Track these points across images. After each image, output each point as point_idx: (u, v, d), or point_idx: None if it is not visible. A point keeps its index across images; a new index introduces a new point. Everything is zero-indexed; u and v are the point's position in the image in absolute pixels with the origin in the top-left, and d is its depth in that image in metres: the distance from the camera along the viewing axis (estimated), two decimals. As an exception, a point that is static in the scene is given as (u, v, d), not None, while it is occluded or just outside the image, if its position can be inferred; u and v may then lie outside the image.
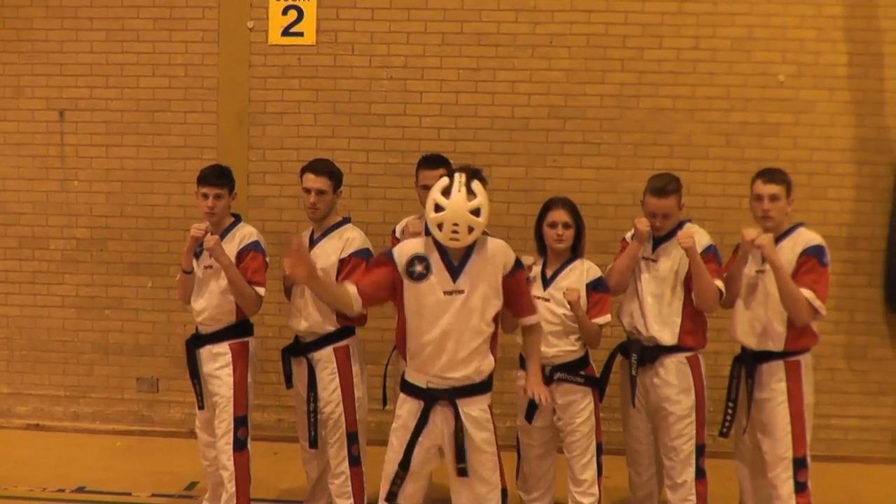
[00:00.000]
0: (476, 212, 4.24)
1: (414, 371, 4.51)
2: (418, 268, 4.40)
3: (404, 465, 4.48)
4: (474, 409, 4.45)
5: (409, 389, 4.53)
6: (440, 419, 4.45)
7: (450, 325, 4.36)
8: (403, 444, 4.49)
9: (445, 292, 4.36)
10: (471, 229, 4.26)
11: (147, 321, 7.78)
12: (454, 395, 4.42)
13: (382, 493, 4.56)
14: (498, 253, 4.43)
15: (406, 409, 4.53)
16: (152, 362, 7.81)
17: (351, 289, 4.47)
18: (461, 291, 4.36)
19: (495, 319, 4.47)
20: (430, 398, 4.45)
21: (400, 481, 4.50)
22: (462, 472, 4.43)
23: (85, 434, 7.73)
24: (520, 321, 4.68)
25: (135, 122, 7.67)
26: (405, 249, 4.47)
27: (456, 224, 4.22)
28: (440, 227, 4.26)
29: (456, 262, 4.39)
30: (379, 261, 4.55)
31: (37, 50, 7.71)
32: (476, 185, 4.28)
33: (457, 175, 4.28)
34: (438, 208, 4.26)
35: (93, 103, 7.71)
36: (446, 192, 4.26)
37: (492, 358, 4.51)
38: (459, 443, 4.40)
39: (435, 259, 4.40)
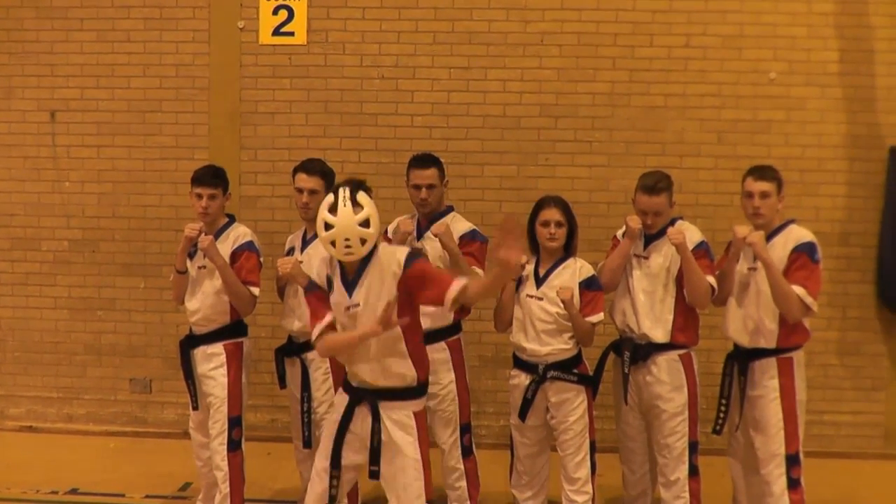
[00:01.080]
0: (365, 223, 4.27)
1: (349, 369, 4.59)
2: (326, 287, 4.50)
3: (335, 463, 4.52)
4: (396, 413, 4.47)
5: (344, 384, 4.63)
6: (361, 418, 4.50)
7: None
8: (331, 438, 4.54)
9: (346, 308, 4.41)
10: (363, 241, 4.28)
11: (140, 322, 7.76)
12: (376, 397, 4.45)
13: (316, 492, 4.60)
14: (386, 257, 4.41)
15: (338, 401, 4.64)
16: (145, 363, 7.80)
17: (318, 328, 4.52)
18: (357, 305, 4.38)
19: (409, 325, 4.39)
20: (356, 396, 4.51)
21: (336, 481, 4.53)
22: (373, 475, 4.47)
23: (78, 436, 7.70)
24: (445, 299, 4.25)
25: (126, 123, 7.66)
26: (317, 273, 4.57)
27: (347, 238, 4.25)
28: (333, 244, 4.28)
29: (350, 276, 4.42)
30: (312, 293, 4.57)
31: (27, 51, 7.69)
32: (361, 196, 4.31)
33: (340, 190, 4.31)
34: (328, 226, 4.28)
35: (84, 104, 7.69)
36: (332, 208, 4.28)
37: (411, 363, 4.46)
38: (375, 444, 4.42)
39: (336, 276, 4.46)
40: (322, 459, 4.58)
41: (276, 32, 7.47)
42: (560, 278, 5.23)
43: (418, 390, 4.54)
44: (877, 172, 7.32)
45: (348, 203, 4.26)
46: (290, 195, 5.81)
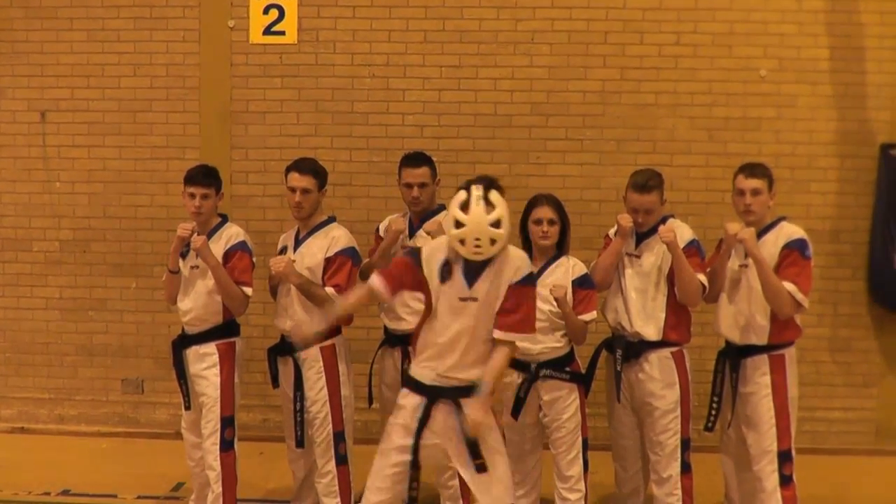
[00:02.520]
0: (497, 224, 4.17)
1: (419, 367, 4.49)
2: (444, 271, 4.36)
3: (414, 464, 4.42)
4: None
5: (413, 385, 4.50)
6: (442, 416, 4.41)
7: (461, 330, 4.34)
8: (405, 441, 4.43)
9: (461, 298, 4.33)
10: (493, 241, 4.19)
11: (131, 322, 7.74)
12: (458, 394, 4.38)
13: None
14: (513, 261, 4.38)
15: (409, 404, 4.48)
16: (137, 363, 7.78)
17: (373, 280, 4.48)
18: (475, 299, 4.32)
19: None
20: (432, 394, 4.42)
21: (416, 483, 4.45)
22: (481, 468, 4.36)
23: (70, 436, 7.68)
24: (497, 333, 4.37)
25: (117, 123, 7.64)
26: (431, 250, 4.44)
27: (478, 238, 4.16)
28: (462, 242, 4.20)
29: (474, 268, 4.33)
30: (405, 258, 4.56)
31: (17, 51, 7.66)
32: (494, 195, 4.20)
33: (473, 188, 4.21)
34: (458, 224, 4.19)
35: (74, 104, 7.66)
36: (464, 206, 4.19)
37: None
38: (471, 439, 4.32)
39: (458, 266, 4.35)
40: (383, 457, 4.52)
41: (267, 32, 7.46)
42: (553, 276, 5.24)
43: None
44: (867, 169, 7.34)
45: (481, 202, 4.16)
46: (282, 194, 5.81)
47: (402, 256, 4.60)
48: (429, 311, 4.44)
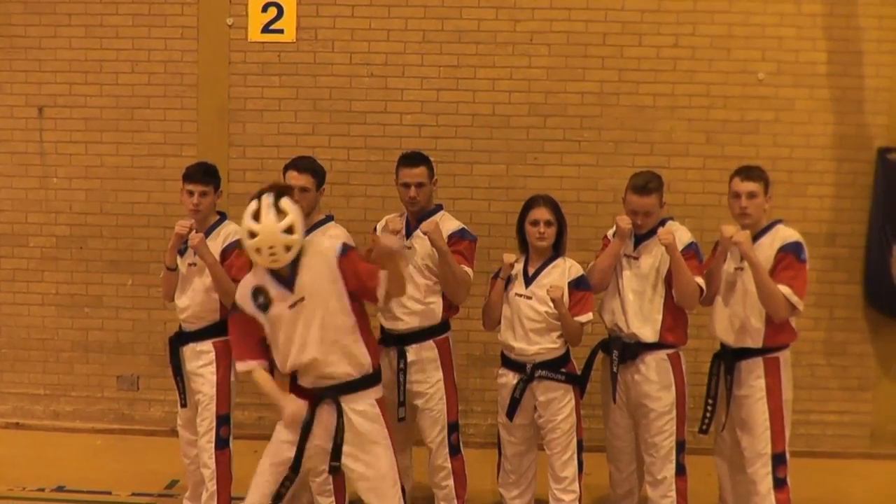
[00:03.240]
0: (289, 230, 4.28)
1: (300, 379, 4.59)
2: (260, 299, 4.47)
3: (295, 467, 4.53)
4: (361, 404, 4.53)
5: (298, 391, 4.61)
6: (325, 416, 4.51)
7: (308, 334, 4.43)
8: (287, 442, 4.54)
9: (290, 306, 4.43)
10: (287, 248, 4.30)
11: (127, 319, 7.73)
12: (337, 392, 4.49)
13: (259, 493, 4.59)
14: (321, 246, 4.54)
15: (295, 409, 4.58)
16: (133, 360, 7.77)
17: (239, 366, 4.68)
18: (301, 299, 4.42)
19: (355, 309, 4.51)
20: (316, 397, 4.51)
21: (289, 483, 4.56)
22: (334, 471, 4.55)
23: (65, 433, 7.67)
24: (375, 292, 4.49)
25: (114, 119, 7.62)
26: (241, 293, 4.54)
27: (272, 246, 4.26)
28: (258, 251, 4.29)
29: (285, 273, 4.43)
30: (235, 319, 4.61)
31: (15, 46, 7.65)
32: (285, 203, 4.30)
33: (263, 197, 4.30)
34: (252, 234, 4.28)
35: (72, 100, 7.65)
36: (255, 215, 4.28)
37: (364, 349, 4.56)
38: (338, 440, 4.46)
39: (270, 284, 4.45)
40: (267, 458, 4.62)
41: (265, 29, 7.45)
42: (549, 277, 5.25)
43: (376, 376, 4.66)
44: (864, 173, 7.35)
45: (272, 210, 4.26)
46: (279, 193, 5.79)
47: (232, 317, 4.67)
48: (273, 340, 4.54)
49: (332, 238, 4.63)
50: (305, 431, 4.50)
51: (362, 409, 4.53)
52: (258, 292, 4.47)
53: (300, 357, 4.48)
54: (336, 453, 4.47)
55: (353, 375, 4.51)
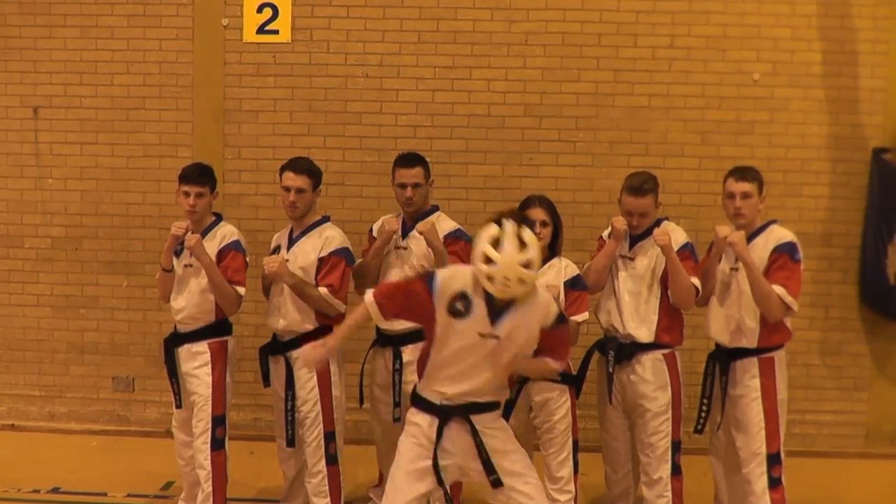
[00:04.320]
0: (527, 264, 4.05)
1: (428, 391, 4.40)
2: (459, 305, 4.23)
3: (440, 481, 4.34)
4: (488, 421, 4.37)
5: (421, 404, 4.41)
6: (454, 434, 4.34)
7: (475, 365, 4.27)
8: (421, 458, 4.34)
9: (481, 334, 4.23)
10: (522, 282, 4.08)
11: (123, 320, 7.72)
12: (468, 411, 4.33)
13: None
14: (542, 305, 4.32)
15: (421, 422, 4.39)
16: (128, 361, 7.76)
17: (367, 296, 4.42)
18: (497, 337, 4.22)
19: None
20: (443, 415, 4.33)
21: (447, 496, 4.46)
22: (497, 483, 4.31)
23: (60, 434, 7.66)
24: (553, 364, 4.45)
25: (109, 120, 7.61)
26: (451, 284, 4.26)
27: (507, 278, 4.04)
28: (490, 279, 4.07)
29: (498, 305, 4.22)
30: (416, 284, 4.36)
31: (10, 47, 7.64)
32: (527, 235, 4.07)
33: (507, 225, 4.08)
34: (489, 261, 4.06)
35: (67, 100, 7.64)
36: (496, 243, 4.06)
37: (507, 392, 4.53)
38: (484, 455, 4.29)
39: (478, 300, 4.22)
40: (399, 472, 4.39)
41: (261, 30, 7.45)
42: (545, 277, 5.23)
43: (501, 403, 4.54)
44: (860, 174, 7.36)
45: (515, 241, 4.04)
46: (274, 193, 5.81)
47: (414, 281, 4.41)
48: (432, 338, 4.33)
49: (548, 298, 4.43)
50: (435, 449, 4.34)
51: (490, 423, 4.39)
52: (462, 298, 4.24)
53: (461, 382, 4.32)
54: (488, 467, 4.31)
55: (487, 400, 4.40)
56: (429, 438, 4.32)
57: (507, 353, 4.26)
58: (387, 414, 5.75)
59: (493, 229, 4.10)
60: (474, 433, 4.31)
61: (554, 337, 4.36)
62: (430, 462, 4.30)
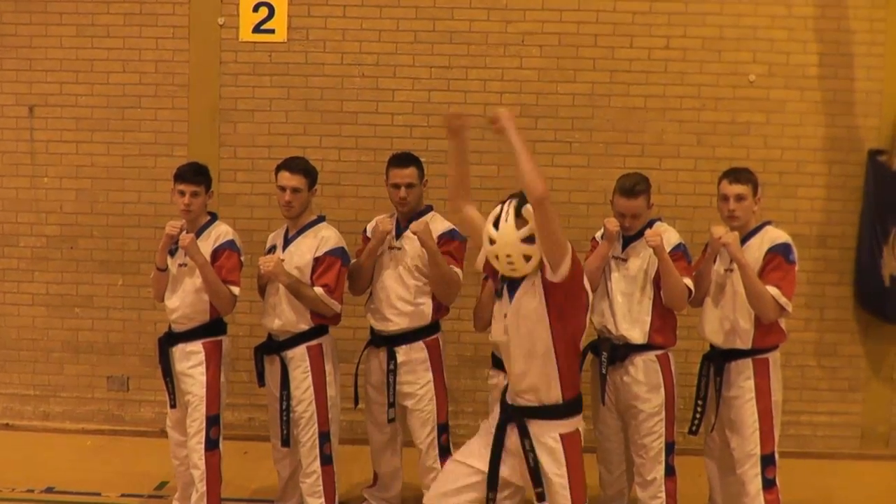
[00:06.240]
0: (529, 239, 4.02)
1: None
2: (497, 283, 4.32)
3: (492, 484, 4.22)
4: (546, 437, 4.18)
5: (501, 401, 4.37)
6: (515, 437, 4.22)
7: (506, 346, 4.25)
8: (483, 456, 4.26)
9: (504, 315, 4.24)
10: (527, 258, 4.04)
11: (118, 319, 7.71)
12: (523, 414, 4.21)
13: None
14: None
15: (492, 417, 4.36)
16: (123, 361, 7.75)
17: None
18: (504, 315, 4.24)
19: (559, 333, 4.15)
20: (507, 413, 4.26)
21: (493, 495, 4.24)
22: (540, 497, 4.15)
23: (55, 433, 7.64)
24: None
25: (105, 119, 7.61)
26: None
27: (509, 255, 4.03)
28: (496, 258, 4.09)
29: (506, 284, 4.24)
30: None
31: (5, 45, 7.63)
32: (527, 210, 4.02)
33: (506, 204, 4.09)
34: (491, 241, 4.08)
35: (63, 99, 7.63)
36: (496, 223, 4.08)
37: (562, 394, 4.20)
38: (532, 464, 4.14)
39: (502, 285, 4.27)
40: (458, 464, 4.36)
41: (257, 29, 7.44)
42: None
43: (567, 409, 4.23)
44: (855, 175, 7.37)
45: (511, 218, 4.03)
46: (270, 193, 5.81)
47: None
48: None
49: None
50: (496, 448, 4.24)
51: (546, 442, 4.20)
52: (497, 277, 4.30)
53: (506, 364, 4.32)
54: (537, 479, 4.15)
55: (542, 402, 4.21)
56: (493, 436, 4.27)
57: (526, 332, 4.15)
58: (381, 414, 5.74)
59: (494, 211, 4.13)
60: (526, 437, 4.17)
61: (566, 283, 4.13)
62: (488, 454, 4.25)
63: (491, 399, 5.44)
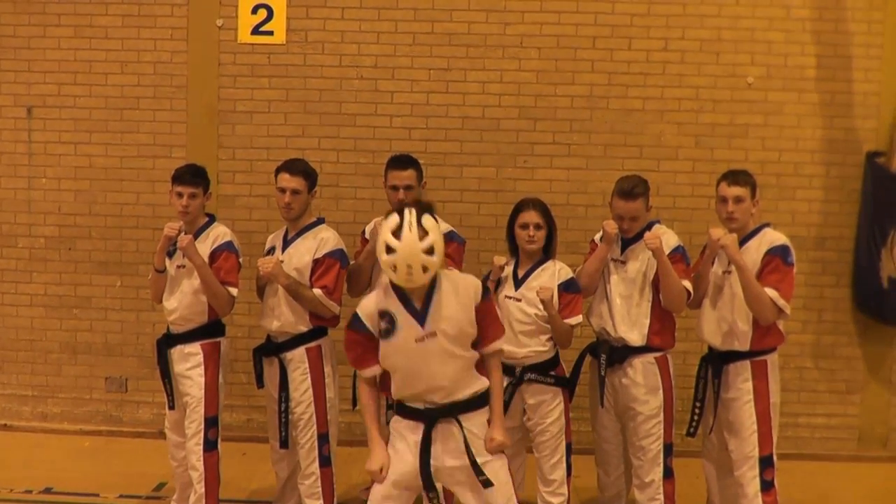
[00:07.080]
0: (429, 251, 3.99)
1: (408, 401, 4.30)
2: (384, 325, 4.16)
3: (430, 487, 4.19)
4: (475, 425, 4.23)
5: (406, 412, 4.28)
6: (442, 437, 4.21)
7: (431, 369, 4.15)
8: (410, 465, 4.22)
9: (417, 340, 4.12)
10: (425, 269, 4.00)
11: (116, 320, 7.71)
12: (455, 411, 4.20)
13: None
14: (464, 284, 4.24)
15: (405, 427, 4.28)
16: (121, 362, 7.75)
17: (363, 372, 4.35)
18: (433, 334, 4.12)
19: (474, 345, 4.25)
20: (429, 418, 4.21)
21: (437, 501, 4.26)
22: (487, 484, 4.17)
23: (53, 434, 7.64)
24: (484, 350, 4.29)
25: (103, 120, 7.61)
26: (367, 310, 4.23)
27: (409, 265, 3.97)
28: (394, 268, 4.00)
29: (419, 304, 4.15)
30: (350, 335, 4.29)
31: (4, 46, 7.63)
32: (427, 221, 4.01)
33: (406, 212, 4.01)
34: (389, 250, 3.99)
35: (61, 100, 7.63)
36: (396, 232, 3.99)
37: (483, 379, 4.27)
38: (472, 455, 4.16)
39: (398, 310, 4.16)
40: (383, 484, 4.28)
41: (255, 31, 7.45)
42: (539, 280, 5.25)
43: (487, 398, 4.30)
44: (853, 177, 7.38)
45: (414, 228, 3.97)
46: (268, 195, 5.81)
47: (348, 333, 4.31)
48: (391, 366, 4.24)
49: (468, 277, 4.33)
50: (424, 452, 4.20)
51: (476, 431, 4.25)
52: (383, 316, 4.16)
53: (424, 391, 4.20)
54: (477, 467, 4.16)
55: (469, 396, 4.25)
56: (417, 444, 4.22)
57: (451, 344, 4.14)
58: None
59: (393, 219, 4.04)
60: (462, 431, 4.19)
61: (484, 311, 4.24)
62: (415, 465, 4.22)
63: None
